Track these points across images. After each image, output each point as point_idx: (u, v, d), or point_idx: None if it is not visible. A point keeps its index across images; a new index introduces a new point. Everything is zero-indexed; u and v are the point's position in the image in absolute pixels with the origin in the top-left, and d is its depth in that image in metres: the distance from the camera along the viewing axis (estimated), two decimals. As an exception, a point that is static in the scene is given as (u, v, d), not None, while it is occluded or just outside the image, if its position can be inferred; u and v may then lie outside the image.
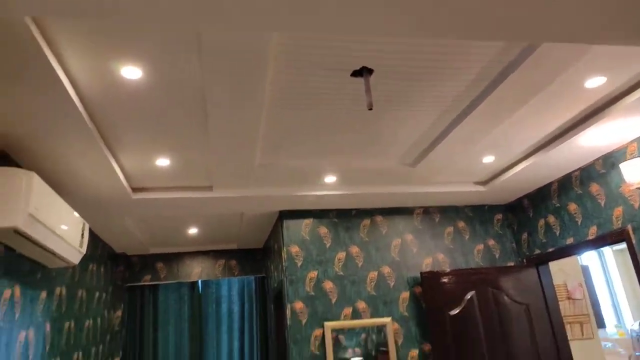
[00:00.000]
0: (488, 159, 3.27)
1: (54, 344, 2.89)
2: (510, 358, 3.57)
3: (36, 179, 2.17)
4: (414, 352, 3.64)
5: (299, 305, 3.58)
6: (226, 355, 4.79)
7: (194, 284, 4.94)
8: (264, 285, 5.02)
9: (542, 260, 3.82)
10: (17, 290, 2.40)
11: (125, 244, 4.40)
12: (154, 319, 4.71)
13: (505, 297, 3.73)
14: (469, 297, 3.72)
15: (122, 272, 4.68)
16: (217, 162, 2.83)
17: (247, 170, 2.99)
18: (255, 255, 5.15)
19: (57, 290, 2.98)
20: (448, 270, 3.79)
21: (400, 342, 3.65)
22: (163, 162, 2.79)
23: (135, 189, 3.14)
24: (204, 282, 5.00)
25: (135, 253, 4.81)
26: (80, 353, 3.41)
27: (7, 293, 2.28)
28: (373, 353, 4.55)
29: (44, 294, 2.75)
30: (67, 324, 3.14)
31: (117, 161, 2.66)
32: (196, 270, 4.95)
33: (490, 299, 3.71)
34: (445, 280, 3.73)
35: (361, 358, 4.54)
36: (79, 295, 3.41)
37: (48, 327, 2.81)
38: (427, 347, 3.66)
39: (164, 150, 2.64)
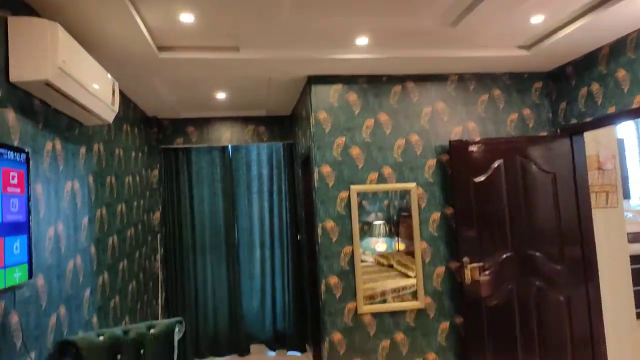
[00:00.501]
0: (537, 19, 2.99)
1: (98, 196, 3.13)
2: (531, 222, 3.68)
3: (61, 30, 2.13)
4: (436, 215, 3.79)
5: (326, 169, 3.68)
6: (257, 212, 5.12)
7: (224, 149, 5.09)
8: (292, 151, 5.14)
9: (577, 130, 3.71)
10: (58, 143, 2.52)
11: (156, 107, 4.47)
12: (188, 179, 4.99)
13: (533, 166, 3.73)
14: (496, 165, 3.72)
15: (156, 134, 4.84)
16: (243, 19, 2.68)
17: (274, 28, 2.85)
18: (283, 122, 5.19)
19: (95, 146, 3.12)
20: (478, 139, 3.75)
21: (423, 205, 3.79)
22: (187, 17, 2.67)
23: (161, 48, 3.07)
24: (234, 147, 5.15)
25: (166, 117, 4.91)
26: (124, 205, 3.70)
27: (48, 145, 2.41)
28: (395, 218, 4.78)
29: (83, 150, 2.89)
30: (108, 179, 3.35)
31: (139, 13, 2.55)
32: (226, 136, 5.06)
33: (518, 167, 3.72)
34: (473, 148, 3.71)
35: (383, 221, 4.80)
36: (116, 153, 3.58)
37: (91, 179, 3.01)
38: (449, 210, 3.80)
39: (188, 4, 2.51)
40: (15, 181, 1.86)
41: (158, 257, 4.76)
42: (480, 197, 3.69)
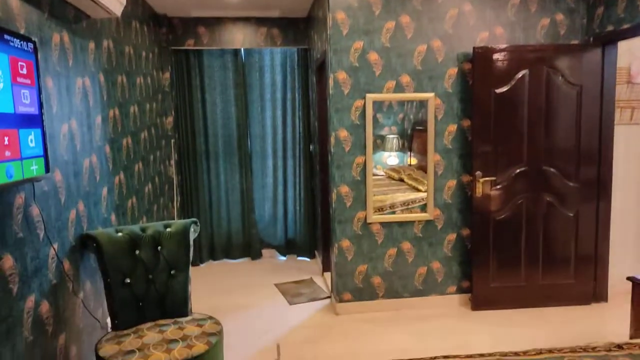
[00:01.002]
0: None
1: (110, 95, 3.08)
2: (550, 137, 3.60)
3: None
4: (452, 127, 3.70)
5: (341, 75, 3.55)
6: (270, 120, 5.06)
7: (237, 52, 4.91)
8: (306, 57, 4.94)
9: (611, 39, 3.47)
10: (65, 36, 2.42)
11: (166, 3, 4.24)
12: (200, 83, 4.88)
13: (560, 78, 3.55)
14: (520, 75, 3.55)
15: (166, 34, 4.65)
16: None
17: None
18: (299, 25, 4.93)
19: (105, 43, 3.01)
20: (504, 45, 3.54)
21: (440, 117, 3.69)
22: None
23: None
24: (247, 51, 4.96)
25: (176, 15, 4.68)
26: (136, 106, 3.66)
27: (56, 37, 2.31)
28: (409, 132, 4.70)
29: (92, 45, 2.78)
30: (119, 78, 3.27)
31: None
32: (238, 37, 4.85)
33: (543, 79, 3.55)
34: (499, 56, 3.52)
35: (396, 135, 4.73)
36: (126, 52, 3.46)
37: (102, 78, 2.93)
38: (466, 123, 3.70)
39: None
40: (24, 71, 1.80)
41: (172, 162, 4.82)
42: (499, 109, 3.57)
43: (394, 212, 3.90)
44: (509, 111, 3.59)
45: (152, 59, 4.30)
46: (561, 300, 3.72)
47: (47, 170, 1.98)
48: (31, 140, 1.86)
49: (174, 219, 4.79)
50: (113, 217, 3.04)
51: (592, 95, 3.58)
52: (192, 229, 2.77)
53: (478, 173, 3.60)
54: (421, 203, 3.99)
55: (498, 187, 3.64)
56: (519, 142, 3.62)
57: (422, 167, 4.45)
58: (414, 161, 4.72)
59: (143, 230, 2.67)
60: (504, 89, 3.56)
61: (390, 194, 4.08)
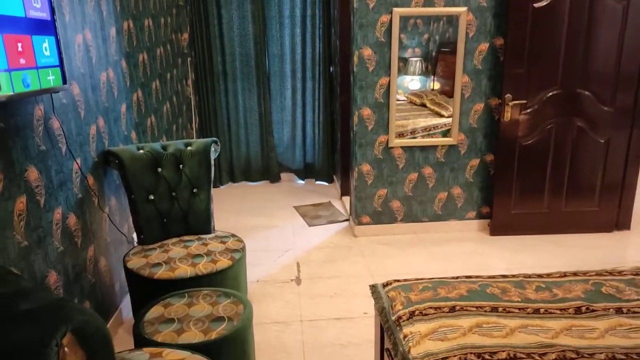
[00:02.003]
0: None
1: (123, 5, 2.91)
2: (588, 59, 3.37)
3: None
4: (484, 46, 3.48)
5: (367, -13, 3.30)
6: (289, 39, 4.83)
7: (253, -37, 4.58)
8: (328, -31, 4.60)
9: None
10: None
11: None
12: (216, -2, 4.62)
13: (608, -9, 3.26)
14: (562, -10, 3.26)
15: (178, -58, 4.33)
16: None
17: None
18: None
19: (115, -53, 2.79)
20: (548, -46, 3.21)
21: (471, 34, 3.46)
22: None
23: None
24: (265, -38, 4.62)
25: None
26: (150, 20, 3.49)
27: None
28: (433, 54, 4.46)
29: None
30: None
31: None
32: (255, -54, 4.50)
33: (589, -8, 3.26)
34: (540, -33, 3.21)
35: (420, 58, 4.50)
36: (138, -41, 3.24)
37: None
38: (499, 41, 3.47)
39: None
40: (32, -29, 1.67)
41: (189, 82, 4.70)
42: (537, 26, 3.32)
43: (414, 138, 3.80)
44: (546, 28, 3.34)
45: (165, -31, 4.04)
46: (583, 228, 3.70)
47: (65, 81, 1.91)
48: (45, 49, 1.77)
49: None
50: (133, 134, 3.01)
51: (638, 13, 3.29)
52: (212, 149, 2.73)
53: (508, 96, 3.43)
54: (443, 129, 3.88)
55: (528, 111, 3.49)
56: (554, 63, 3.40)
57: (446, 92, 4.29)
58: (436, 85, 4.54)
59: (164, 148, 2.65)
60: (544, 2, 3.29)
61: (411, 119, 3.97)
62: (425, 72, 4.58)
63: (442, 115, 3.99)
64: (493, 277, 1.88)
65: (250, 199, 4.67)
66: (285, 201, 4.58)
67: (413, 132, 3.91)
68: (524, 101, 3.45)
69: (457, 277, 1.85)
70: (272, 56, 4.89)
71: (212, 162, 2.71)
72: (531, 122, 3.51)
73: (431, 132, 3.97)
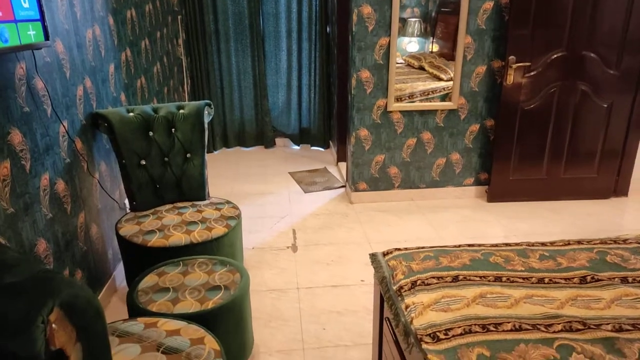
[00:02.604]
0: None
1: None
2: (595, 20, 3.24)
3: None
4: (489, 4, 3.34)
5: (368, -61, 3.11)
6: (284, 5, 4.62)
7: None
8: None
9: None
10: None
11: None
12: (207, -49, 4.37)
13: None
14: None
15: None
16: None
17: None
18: None
19: None
20: None
21: (476, -8, 3.30)
22: None
23: None
24: None
25: None
26: (138, -25, 3.29)
27: None
28: (433, 14, 4.29)
29: None
30: (117, -62, 2.88)
31: None
32: None
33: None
34: None
35: (419, 19, 4.33)
36: None
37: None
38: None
39: None
40: None
41: (180, 42, 4.51)
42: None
43: (412, 102, 3.71)
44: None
45: None
46: (580, 194, 3.67)
47: (47, 37, 1.78)
48: (24, 0, 1.64)
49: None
50: (123, 96, 2.89)
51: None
52: (206, 112, 2.62)
53: (511, 58, 3.32)
54: (442, 93, 3.78)
55: (531, 74, 3.38)
56: (561, 23, 3.28)
57: (445, 55, 4.16)
58: (435, 48, 4.40)
59: (155, 111, 2.54)
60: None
61: (409, 83, 3.85)
62: (424, 34, 4.43)
63: (441, 79, 3.88)
64: (496, 245, 1.84)
65: (244, 165, 4.59)
66: (281, 167, 4.50)
67: (411, 96, 3.80)
68: (528, 63, 3.34)
69: (459, 246, 1.81)
70: (266, 15, 4.69)
71: (206, 126, 2.61)
72: (534, 85, 3.41)
73: (429, 96, 3.86)
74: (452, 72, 3.86)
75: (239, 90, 4.88)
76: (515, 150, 3.56)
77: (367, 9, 3.27)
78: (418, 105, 3.59)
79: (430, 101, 3.71)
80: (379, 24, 3.32)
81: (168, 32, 4.15)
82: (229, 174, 4.33)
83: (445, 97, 3.64)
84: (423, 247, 1.80)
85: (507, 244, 1.83)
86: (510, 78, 3.36)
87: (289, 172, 4.34)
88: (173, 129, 2.54)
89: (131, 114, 2.45)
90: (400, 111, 3.54)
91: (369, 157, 3.62)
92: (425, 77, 4.03)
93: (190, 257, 2.04)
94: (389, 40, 3.37)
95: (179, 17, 4.43)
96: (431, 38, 4.46)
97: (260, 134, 5.07)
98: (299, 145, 5.14)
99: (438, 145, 3.65)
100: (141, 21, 3.33)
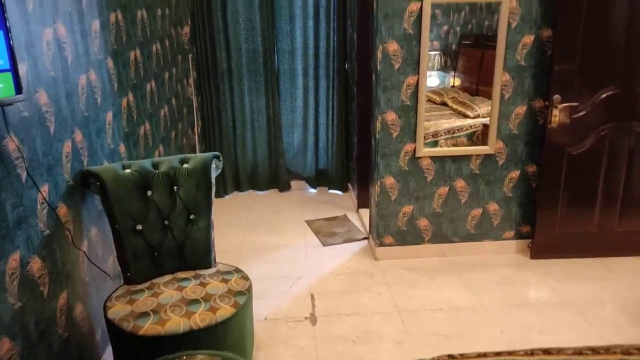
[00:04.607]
0: None
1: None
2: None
3: None
4: (529, 38, 3.00)
5: (394, -28, 2.83)
6: (300, 33, 4.36)
7: (261, -52, 4.12)
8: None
9: None
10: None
11: None
12: (219, -13, 4.16)
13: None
14: (623, -27, 2.77)
15: None
16: None
17: None
18: None
19: None
20: None
21: (514, 25, 2.98)
22: None
23: None
24: (273, -53, 4.15)
25: None
26: (144, 11, 3.04)
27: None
28: (453, 47, 4.00)
29: None
30: (120, -25, 2.64)
31: None
32: None
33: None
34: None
35: (439, 52, 4.05)
36: (127, -59, 2.79)
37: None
38: (546, 33, 2.99)
39: None
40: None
41: (191, 81, 4.25)
42: (592, 13, 2.83)
43: (436, 142, 3.39)
44: (604, 15, 2.86)
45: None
46: (638, 250, 3.22)
47: (19, 90, 1.47)
48: (-12, 49, 1.34)
49: (195, 147, 4.34)
50: (122, 147, 2.58)
51: None
52: (213, 165, 2.29)
53: (556, 97, 2.95)
54: (469, 131, 3.47)
55: (579, 114, 3.01)
56: (611, 58, 2.92)
57: (468, 89, 3.89)
58: (457, 82, 4.12)
59: (155, 166, 2.21)
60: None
61: (432, 120, 3.54)
62: (445, 68, 4.14)
63: (467, 116, 3.57)
64: (580, 352, 1.43)
65: (257, 211, 4.23)
66: (296, 213, 4.14)
67: (435, 135, 3.49)
68: (575, 103, 2.97)
69: (532, 353, 1.40)
70: (281, 52, 4.43)
71: (213, 181, 2.27)
72: (582, 127, 3.03)
73: (455, 134, 3.56)
74: (479, 108, 3.55)
75: (252, 130, 4.58)
76: (562, 199, 3.15)
77: (393, 46, 2.96)
78: (450, 150, 3.24)
79: (457, 140, 3.39)
80: (406, 62, 3.00)
81: (178, 72, 3.89)
82: (240, 222, 3.97)
83: (472, 136, 3.32)
84: (484, 355, 1.40)
85: (593, 349, 1.42)
86: (555, 119, 2.99)
87: (306, 220, 3.97)
88: (175, 187, 2.20)
89: (127, 170, 2.12)
90: (430, 157, 3.18)
91: (395, 208, 3.24)
92: (450, 114, 3.72)
93: (189, 353, 1.65)
94: (417, 79, 3.04)
95: (190, 55, 4.19)
96: (452, 72, 4.17)
97: (275, 177, 4.74)
98: (315, 188, 4.78)
99: (473, 194, 3.26)
100: (147, 63, 3.07)
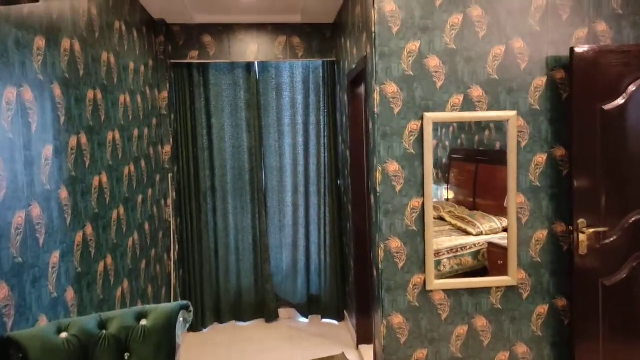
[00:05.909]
0: None
1: (72, 115, 2.17)
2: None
3: None
4: (541, 158, 2.73)
5: (391, 88, 2.62)
6: (289, 150, 4.14)
7: (249, 67, 4.04)
8: (333, 71, 4.06)
9: None
10: None
11: (163, 6, 3.41)
12: (205, 105, 4.00)
13: None
14: (635, 88, 2.60)
15: (163, 44, 3.77)
16: None
17: None
18: (324, 33, 4.06)
19: (65, 43, 2.12)
20: (616, 45, 2.60)
21: (524, 143, 2.72)
22: None
23: None
24: (262, 66, 4.09)
25: (176, 21, 3.84)
26: (117, 132, 2.75)
27: None
28: (444, 161, 3.86)
29: (40, 42, 1.89)
30: (90, 93, 2.38)
31: None
32: (252, 49, 3.98)
33: (678, 90, 2.58)
34: (605, 60, 2.57)
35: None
36: (103, 59, 2.58)
37: (58, 90, 2.03)
38: (559, 151, 2.73)
39: None
40: None
41: (169, 202, 3.88)
42: (609, 132, 2.61)
43: (439, 262, 2.97)
44: (622, 134, 2.62)
45: (145, 74, 3.42)
46: None
47: None
48: None
49: (170, 274, 3.83)
50: (70, 294, 2.08)
51: None
52: (180, 319, 1.79)
53: (581, 221, 2.60)
54: (473, 250, 3.10)
55: (609, 240, 2.63)
56: (637, 178, 2.63)
57: (462, 203, 3.64)
58: (450, 195, 3.89)
59: (102, 325, 1.70)
60: (615, 103, 2.60)
61: (433, 238, 3.17)
62: (437, 180, 3.94)
63: (468, 233, 3.22)
64: None
65: (238, 350, 3.60)
66: (286, 351, 3.52)
67: (437, 254, 3.08)
68: (605, 228, 2.61)
69: None
70: (269, 169, 4.15)
71: (179, 341, 1.76)
72: (615, 254, 2.64)
73: (459, 253, 3.17)
74: (480, 225, 3.27)
75: (236, 252, 4.13)
76: (603, 337, 2.64)
77: (393, 166, 2.66)
78: (465, 281, 2.78)
79: (461, 260, 3.00)
80: (409, 184, 2.68)
81: (154, 194, 3.53)
82: (220, 367, 3.33)
83: (477, 254, 2.96)
84: None
85: None
86: (583, 246, 2.60)
87: (297, 363, 3.35)
88: (126, 355, 1.67)
89: (63, 335, 1.61)
90: (443, 289, 2.72)
91: (406, 354, 2.68)
92: (449, 230, 3.35)
93: None
94: (423, 202, 2.69)
95: (169, 175, 3.87)
96: (445, 184, 3.97)
97: (261, 304, 4.17)
98: (307, 317, 4.20)
99: (497, 333, 2.74)
100: (115, 187, 2.70)
